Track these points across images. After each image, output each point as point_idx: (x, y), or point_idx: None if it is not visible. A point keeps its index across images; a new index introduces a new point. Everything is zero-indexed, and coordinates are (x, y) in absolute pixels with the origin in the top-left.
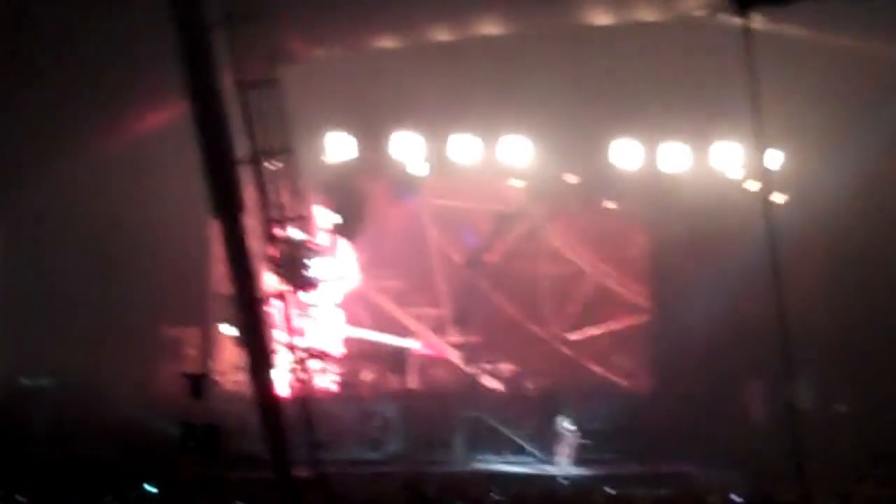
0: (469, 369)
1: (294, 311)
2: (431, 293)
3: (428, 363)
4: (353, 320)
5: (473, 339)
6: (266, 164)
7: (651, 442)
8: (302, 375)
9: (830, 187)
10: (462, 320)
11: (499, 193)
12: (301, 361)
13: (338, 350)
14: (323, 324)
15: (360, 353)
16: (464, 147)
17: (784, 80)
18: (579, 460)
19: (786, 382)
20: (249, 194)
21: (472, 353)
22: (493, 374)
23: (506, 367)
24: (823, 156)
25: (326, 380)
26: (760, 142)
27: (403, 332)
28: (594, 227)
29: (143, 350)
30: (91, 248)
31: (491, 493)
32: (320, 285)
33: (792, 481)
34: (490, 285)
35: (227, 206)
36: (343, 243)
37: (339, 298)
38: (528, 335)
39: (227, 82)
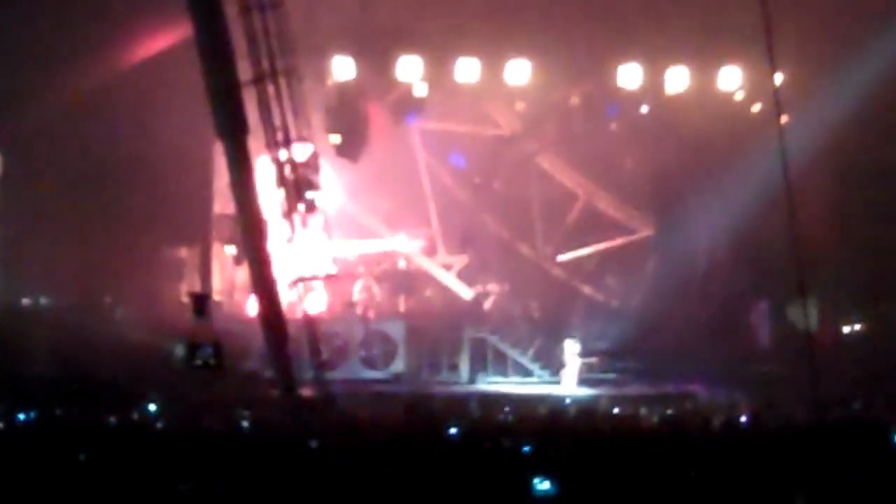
0: (462, 290)
1: (297, 232)
2: (422, 214)
3: (423, 283)
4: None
5: (466, 259)
6: (269, 85)
7: (656, 362)
8: (306, 295)
9: (835, 107)
10: (461, 241)
11: (494, 117)
12: (305, 281)
13: (336, 269)
14: (319, 243)
15: (366, 272)
16: (464, 69)
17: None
18: (584, 381)
19: (798, 303)
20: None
21: (464, 273)
22: (487, 295)
23: (497, 288)
24: (828, 76)
25: (330, 299)
26: (771, 63)
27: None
28: (592, 149)
29: (145, 270)
30: (93, 170)
31: (500, 414)
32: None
33: (798, 402)
34: (483, 208)
35: (231, 127)
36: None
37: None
38: (519, 257)
39: (230, 4)
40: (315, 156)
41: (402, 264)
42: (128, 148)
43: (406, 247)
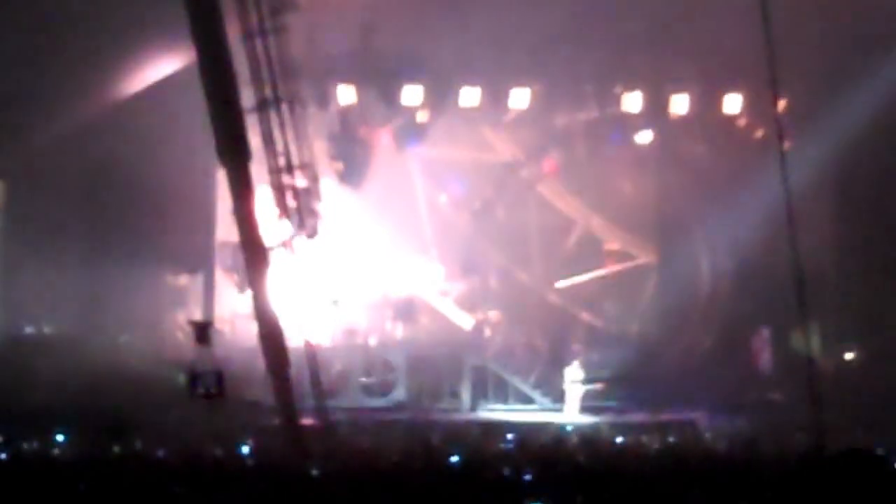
0: (461, 317)
1: (300, 259)
2: (421, 241)
3: (423, 311)
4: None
5: (465, 287)
6: (272, 112)
7: (657, 390)
8: (308, 322)
9: (838, 133)
10: (460, 268)
11: (495, 144)
12: (307, 308)
13: (340, 299)
14: (320, 271)
15: (367, 301)
16: (466, 96)
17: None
18: (586, 408)
19: (800, 330)
20: (255, 142)
21: (463, 300)
22: (487, 322)
23: (497, 315)
24: (830, 102)
25: (331, 327)
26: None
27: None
28: (593, 176)
29: (147, 297)
30: (95, 197)
31: (501, 442)
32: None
33: (801, 429)
34: (482, 235)
35: (234, 153)
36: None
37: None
38: (518, 284)
39: (233, 30)
40: (316, 182)
41: (401, 292)
42: (130, 175)
43: (406, 274)
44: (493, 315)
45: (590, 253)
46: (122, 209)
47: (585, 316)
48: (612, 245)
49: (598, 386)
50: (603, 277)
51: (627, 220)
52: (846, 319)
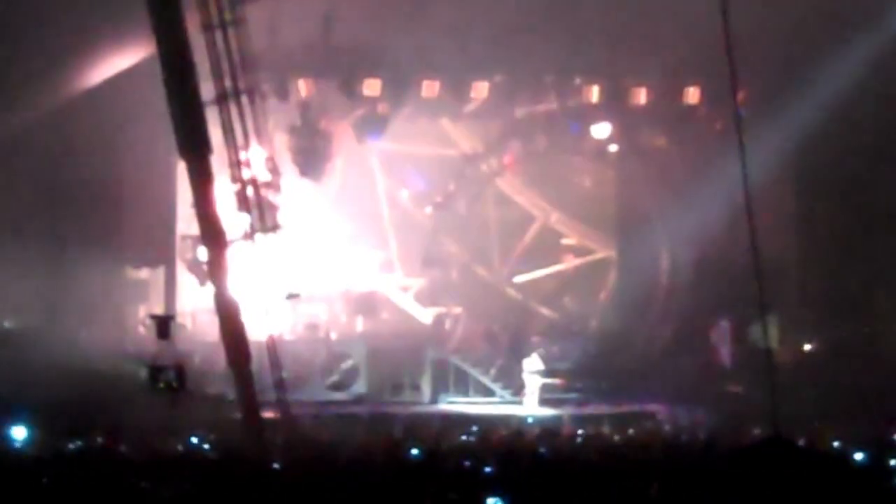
0: (420, 312)
1: (261, 253)
2: (381, 236)
3: (383, 305)
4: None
5: (424, 281)
6: (232, 104)
7: (617, 382)
8: (269, 316)
9: (797, 124)
10: (420, 263)
11: (455, 137)
12: (268, 301)
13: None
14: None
15: (327, 295)
16: (425, 89)
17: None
18: (546, 401)
19: (760, 321)
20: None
21: (423, 295)
22: (447, 316)
23: (456, 310)
24: (790, 94)
25: (292, 321)
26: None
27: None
28: (553, 169)
29: (108, 291)
30: (55, 191)
31: (462, 435)
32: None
33: (759, 420)
34: (442, 229)
35: (194, 146)
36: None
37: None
38: (477, 279)
39: (193, 22)
40: (277, 175)
41: (361, 286)
42: (90, 168)
43: (366, 268)
44: (454, 309)
45: (549, 247)
46: (81, 203)
47: (545, 310)
48: (572, 239)
49: (557, 381)
50: (562, 272)
51: (587, 214)
52: (806, 311)
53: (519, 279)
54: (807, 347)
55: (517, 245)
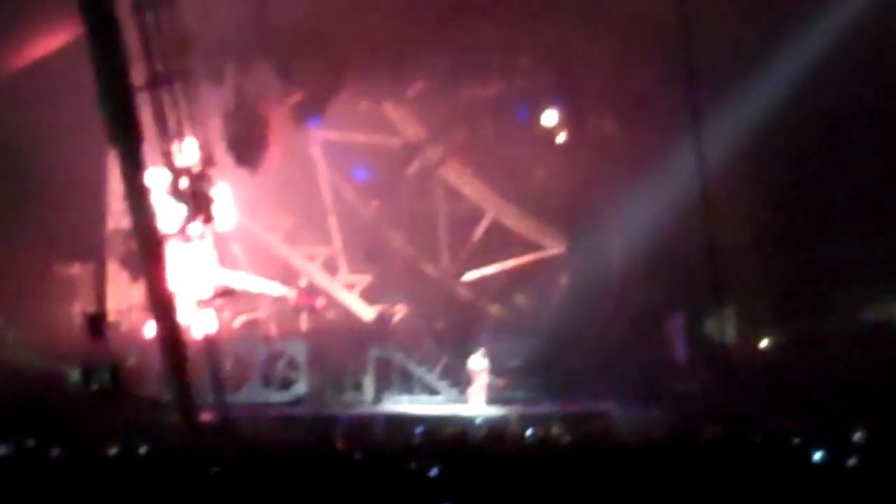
0: (364, 310)
1: (196, 246)
2: (324, 231)
3: (325, 302)
4: (234, 262)
5: (369, 278)
6: (165, 89)
7: (568, 380)
8: (206, 314)
9: (751, 107)
10: (364, 259)
11: (398, 124)
12: (205, 299)
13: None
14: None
15: (267, 292)
16: (366, 73)
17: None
18: (493, 399)
19: (716, 315)
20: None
21: (368, 292)
22: (392, 314)
23: (401, 307)
24: (745, 81)
25: (231, 319)
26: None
27: (291, 273)
28: (501, 160)
29: (36, 289)
30: None
31: (407, 436)
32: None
33: (714, 419)
34: (386, 224)
35: (124, 134)
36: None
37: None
38: (424, 275)
39: (123, 3)
40: (211, 164)
41: (303, 282)
42: (13, 159)
43: (307, 265)
44: (398, 306)
45: (498, 243)
46: (5, 196)
47: (494, 307)
48: (521, 234)
49: (504, 380)
50: (511, 268)
51: (536, 207)
52: (763, 303)
53: (467, 276)
54: (765, 342)
55: (466, 240)
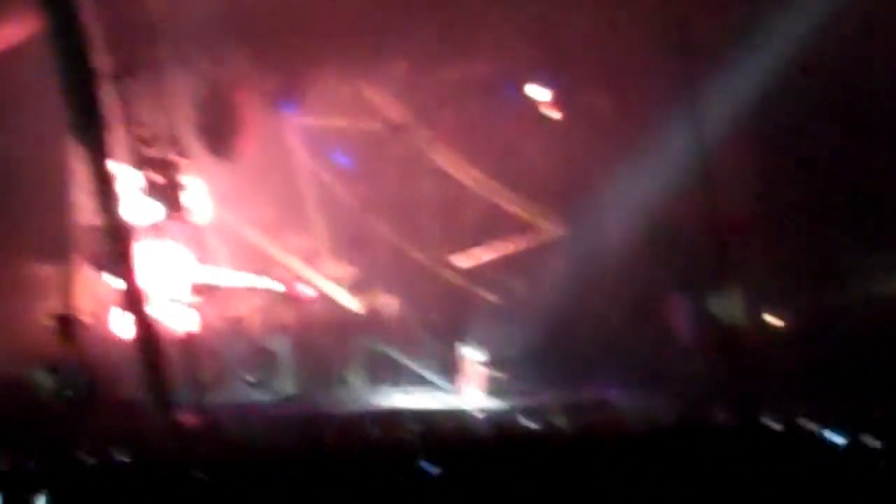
0: (351, 300)
1: (169, 241)
2: (305, 220)
3: (309, 294)
4: (212, 256)
5: (354, 268)
6: (131, 78)
7: (568, 368)
8: (184, 312)
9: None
10: (348, 248)
11: (380, 106)
12: (181, 295)
13: (213, 282)
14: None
15: (247, 285)
16: (345, 53)
17: None
18: (491, 391)
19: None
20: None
21: (353, 282)
22: (380, 304)
23: (390, 296)
24: (747, 42)
25: (208, 316)
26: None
27: (271, 267)
28: (491, 139)
29: (2, 290)
30: None
31: (400, 432)
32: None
33: (725, 404)
34: (371, 210)
35: (89, 126)
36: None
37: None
38: (413, 262)
39: None
40: (183, 155)
41: (285, 274)
42: None
43: (289, 255)
44: (387, 296)
45: (491, 227)
46: None
47: (487, 294)
48: (515, 217)
49: (497, 373)
50: (506, 252)
51: (530, 187)
52: (772, 279)
53: (459, 263)
54: (775, 320)
55: (455, 224)
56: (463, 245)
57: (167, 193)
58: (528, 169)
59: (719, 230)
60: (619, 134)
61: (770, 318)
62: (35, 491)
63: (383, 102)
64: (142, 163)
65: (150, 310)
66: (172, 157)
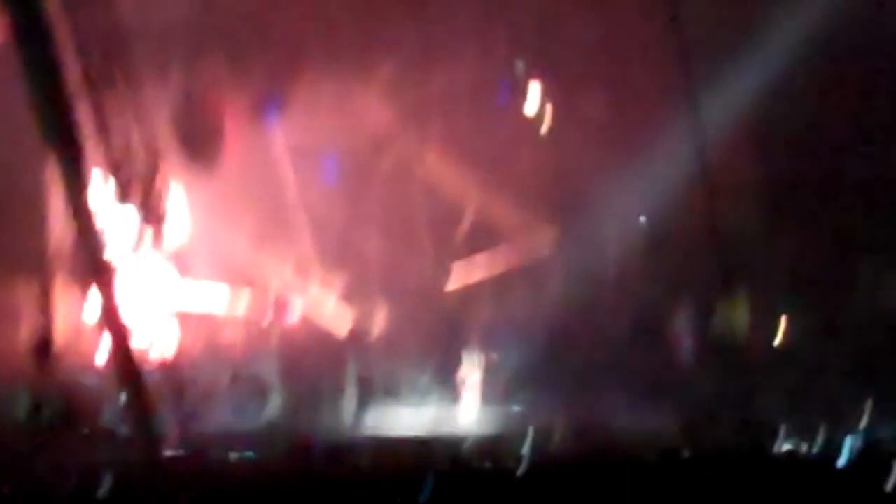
0: (341, 318)
1: (149, 260)
2: (292, 236)
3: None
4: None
5: (343, 284)
6: (105, 90)
7: (569, 386)
8: (165, 334)
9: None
10: (337, 263)
11: (367, 117)
12: (162, 315)
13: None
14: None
15: (231, 307)
16: (330, 62)
17: None
18: (486, 413)
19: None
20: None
21: (343, 299)
22: (371, 322)
23: (382, 313)
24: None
25: (191, 339)
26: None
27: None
28: (482, 149)
29: None
30: None
31: (394, 458)
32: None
33: (733, 422)
34: (360, 224)
35: (62, 139)
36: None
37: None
38: (404, 278)
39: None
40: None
41: (271, 295)
42: None
43: (275, 273)
44: (377, 313)
45: (484, 239)
46: None
47: (482, 310)
48: (510, 228)
49: (494, 393)
50: (500, 266)
51: (525, 200)
52: (780, 288)
53: (452, 278)
54: (781, 329)
55: (448, 239)
56: (456, 260)
57: (144, 209)
58: (523, 179)
59: (720, 238)
60: (617, 142)
61: (775, 329)
62: None
63: (370, 111)
64: (118, 177)
65: (131, 331)
66: (150, 170)
